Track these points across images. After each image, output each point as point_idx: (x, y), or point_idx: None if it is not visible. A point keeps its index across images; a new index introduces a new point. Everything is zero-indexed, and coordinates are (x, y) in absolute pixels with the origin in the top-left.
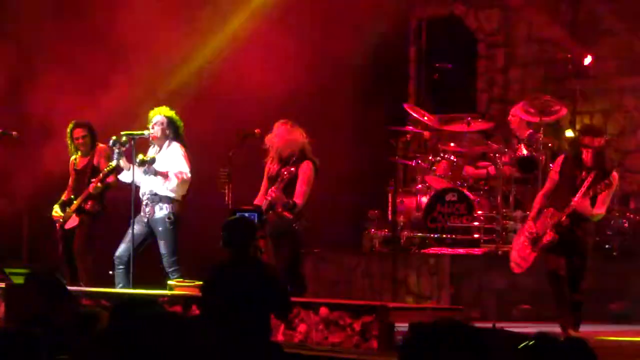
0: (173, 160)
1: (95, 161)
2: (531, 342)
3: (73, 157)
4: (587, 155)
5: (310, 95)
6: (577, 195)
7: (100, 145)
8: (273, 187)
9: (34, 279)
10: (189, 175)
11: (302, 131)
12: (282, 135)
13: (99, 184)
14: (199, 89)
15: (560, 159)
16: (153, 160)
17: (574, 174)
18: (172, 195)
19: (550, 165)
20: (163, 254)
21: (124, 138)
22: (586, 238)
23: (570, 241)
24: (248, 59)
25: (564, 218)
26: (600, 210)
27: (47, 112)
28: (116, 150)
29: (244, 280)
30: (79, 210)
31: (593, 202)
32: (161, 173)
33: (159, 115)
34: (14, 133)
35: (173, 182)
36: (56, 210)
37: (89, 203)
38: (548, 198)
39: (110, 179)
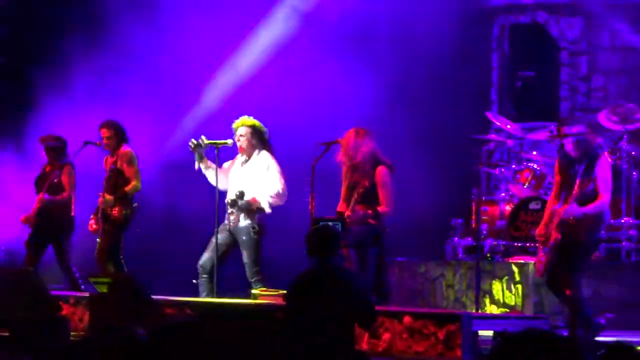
0: (266, 174)
1: (118, 164)
2: (607, 352)
3: (106, 157)
4: (568, 146)
5: (392, 103)
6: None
7: (125, 148)
8: (348, 212)
9: (118, 288)
10: (284, 189)
11: (371, 136)
12: (350, 142)
13: (108, 197)
14: (281, 98)
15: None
16: (242, 195)
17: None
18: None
19: (634, 173)
20: (246, 263)
21: (204, 141)
22: (579, 237)
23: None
24: (330, 69)
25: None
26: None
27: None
28: (196, 154)
29: (328, 289)
30: (104, 217)
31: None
32: (252, 202)
33: (242, 126)
34: (98, 142)
35: (268, 207)
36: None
37: (116, 209)
38: (558, 199)
39: (128, 187)
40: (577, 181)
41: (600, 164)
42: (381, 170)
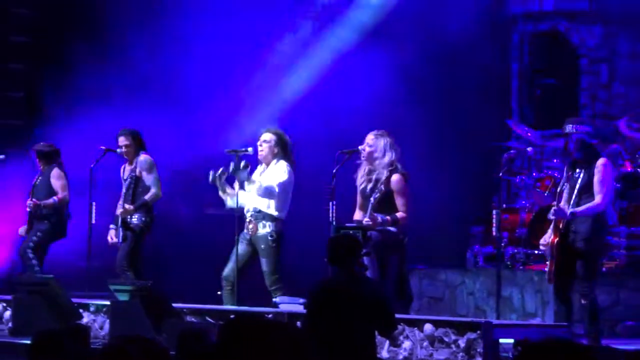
0: (274, 175)
1: (137, 172)
2: None
3: (123, 166)
4: (571, 145)
5: (411, 110)
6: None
7: (143, 155)
8: (366, 218)
9: (139, 296)
10: (277, 193)
11: (392, 142)
12: (370, 145)
13: (127, 207)
14: (303, 105)
15: None
16: (247, 165)
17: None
18: (275, 213)
19: None
20: (265, 272)
21: (220, 171)
22: (581, 247)
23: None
24: (351, 76)
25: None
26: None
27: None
28: (218, 185)
29: (348, 297)
30: (124, 225)
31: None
32: (252, 181)
33: (267, 133)
34: (118, 150)
35: (261, 192)
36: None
37: (136, 216)
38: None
39: (148, 195)
40: (577, 184)
41: (599, 166)
42: (396, 177)
